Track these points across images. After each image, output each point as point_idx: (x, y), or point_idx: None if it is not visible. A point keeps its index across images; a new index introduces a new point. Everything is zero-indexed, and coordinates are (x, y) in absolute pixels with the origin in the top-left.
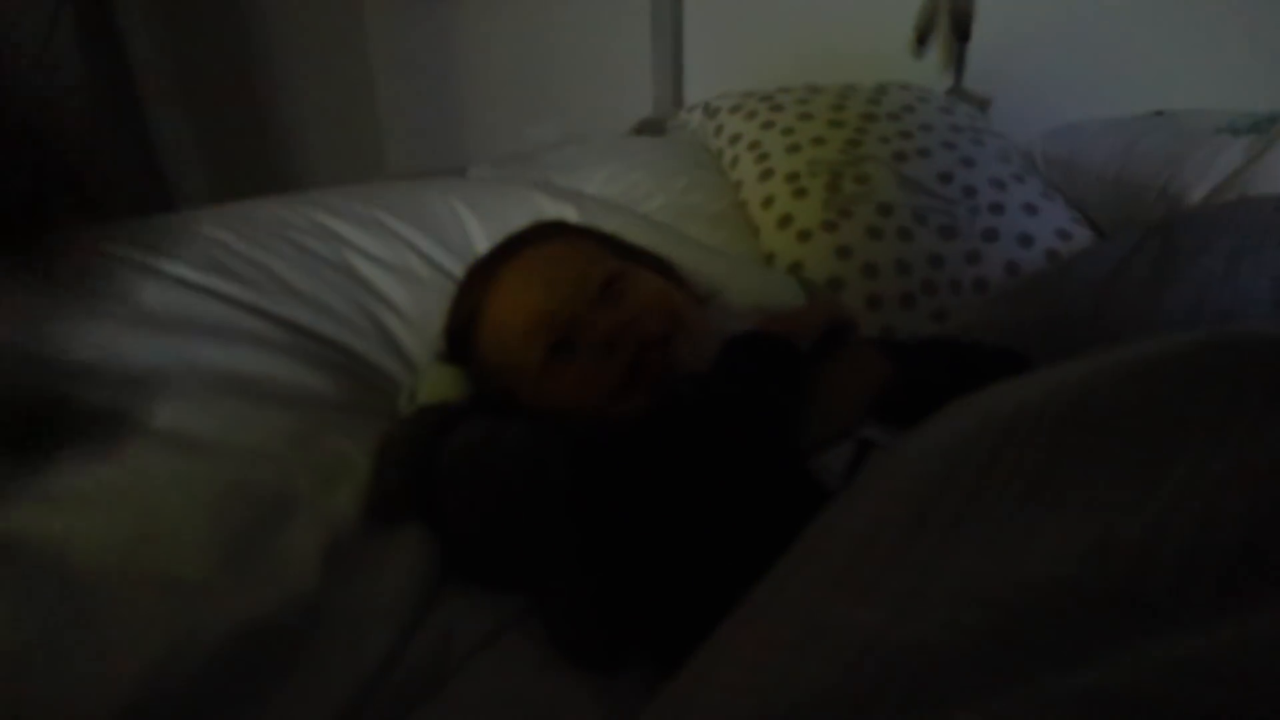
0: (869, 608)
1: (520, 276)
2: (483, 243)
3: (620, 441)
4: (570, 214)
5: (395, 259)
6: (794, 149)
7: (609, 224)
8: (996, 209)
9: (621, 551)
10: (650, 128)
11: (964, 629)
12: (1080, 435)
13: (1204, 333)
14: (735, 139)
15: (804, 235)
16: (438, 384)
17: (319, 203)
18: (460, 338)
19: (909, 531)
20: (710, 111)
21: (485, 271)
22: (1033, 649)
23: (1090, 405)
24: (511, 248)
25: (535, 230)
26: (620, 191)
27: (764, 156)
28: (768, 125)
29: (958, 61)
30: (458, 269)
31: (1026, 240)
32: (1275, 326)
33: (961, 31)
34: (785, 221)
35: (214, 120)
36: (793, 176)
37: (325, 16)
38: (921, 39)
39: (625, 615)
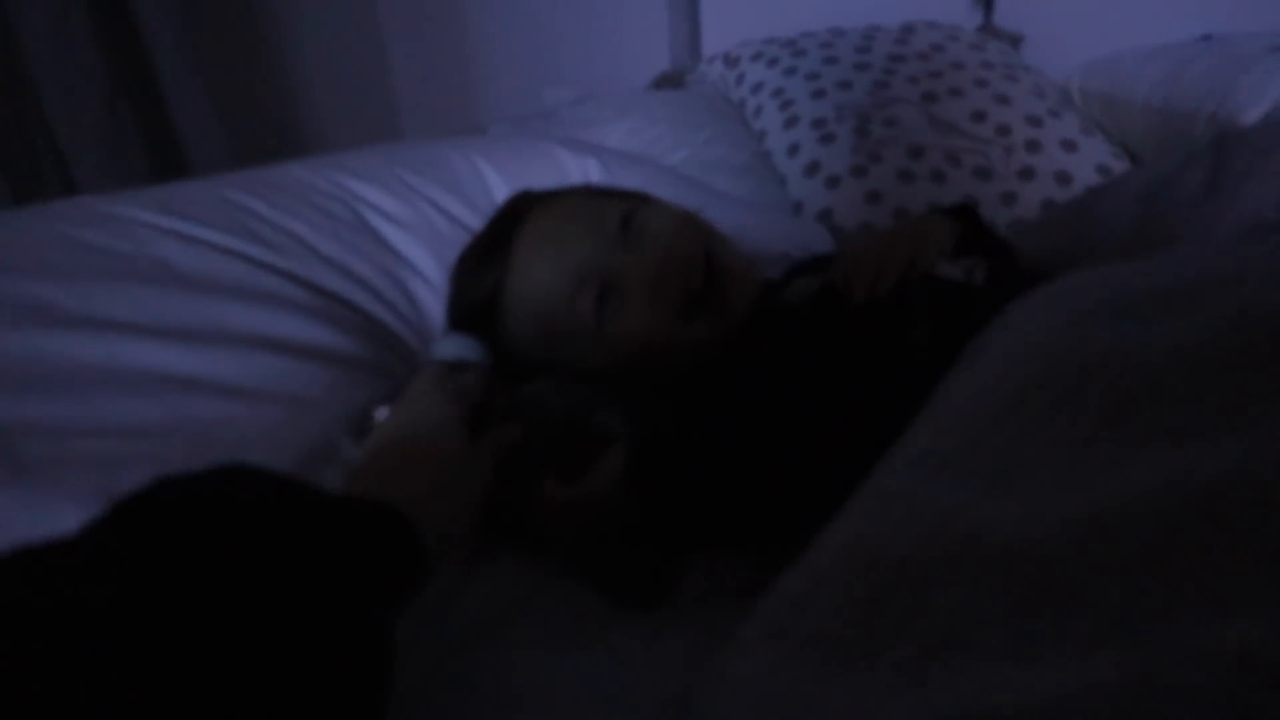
0: (958, 488)
1: (536, 242)
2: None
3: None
4: (593, 168)
5: (417, 219)
6: (819, 94)
7: (632, 178)
8: (1033, 147)
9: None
10: (669, 82)
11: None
12: (1178, 376)
13: None
14: (758, 88)
15: (832, 181)
16: (454, 353)
17: (341, 165)
18: (481, 320)
19: (1001, 419)
20: (731, 61)
21: (491, 248)
22: (1106, 562)
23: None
24: (508, 221)
25: (521, 198)
26: (642, 146)
27: (788, 104)
28: (790, 71)
29: None
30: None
31: (1065, 178)
32: None
33: None
34: (813, 169)
35: (226, 86)
36: (819, 122)
37: None
38: None
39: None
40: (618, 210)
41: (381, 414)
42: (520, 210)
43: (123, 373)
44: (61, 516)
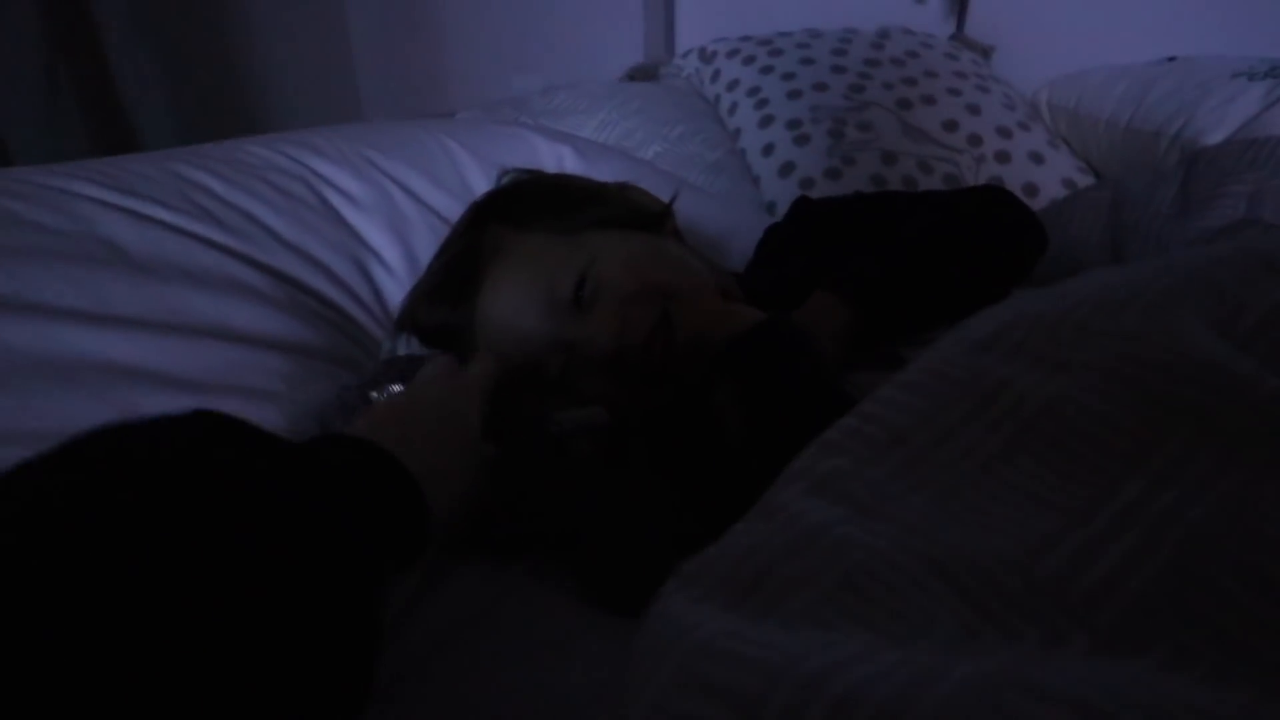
0: (825, 508)
1: (497, 306)
2: (479, 182)
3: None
4: (567, 156)
5: (383, 201)
6: (795, 95)
7: (606, 169)
8: (1002, 158)
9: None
10: (643, 74)
11: (904, 550)
12: (1055, 424)
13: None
14: (733, 85)
15: (806, 184)
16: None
17: (303, 143)
18: (457, 346)
19: (879, 450)
20: (706, 57)
21: (458, 292)
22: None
23: (1077, 395)
24: (473, 262)
25: (479, 232)
26: (614, 139)
27: (763, 103)
28: (767, 70)
29: (959, 8)
30: (452, 209)
31: (1032, 190)
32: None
33: None
34: (787, 169)
35: (177, 62)
36: (794, 123)
37: None
38: None
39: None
40: (573, 272)
41: (378, 397)
42: (484, 250)
43: (63, 364)
44: None
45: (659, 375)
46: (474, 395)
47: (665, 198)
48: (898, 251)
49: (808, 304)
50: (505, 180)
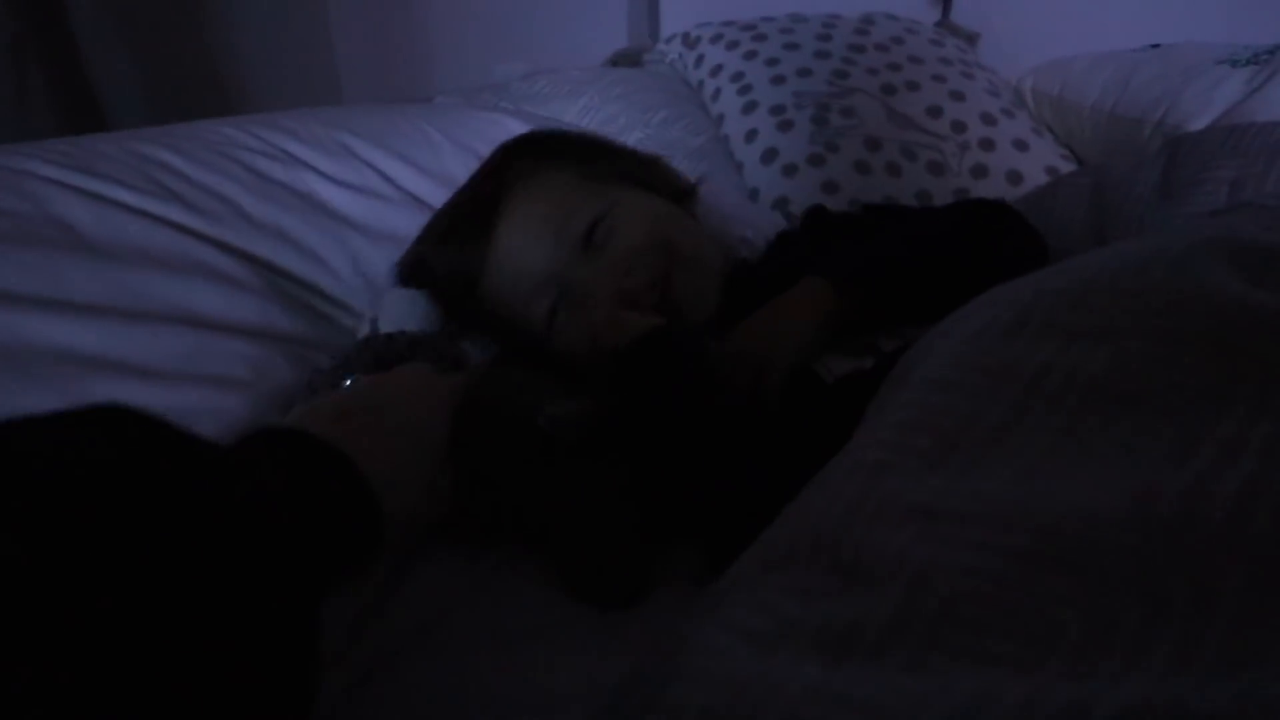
0: (888, 532)
1: (511, 236)
2: (457, 168)
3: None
4: None
5: (360, 181)
6: (778, 80)
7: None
8: (986, 145)
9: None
10: (626, 60)
11: (995, 552)
12: (1115, 394)
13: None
14: (716, 70)
15: (789, 170)
16: (397, 314)
17: (274, 124)
18: (461, 294)
19: (933, 459)
20: (690, 42)
21: (475, 227)
22: (1055, 584)
23: (1127, 361)
24: (490, 197)
25: (510, 163)
26: (596, 125)
27: (747, 88)
28: (751, 55)
29: None
30: (431, 193)
31: (1016, 177)
32: None
33: None
34: (770, 156)
35: (151, 43)
36: (777, 109)
37: None
38: None
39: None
40: (589, 215)
41: (351, 383)
42: (502, 181)
43: (20, 353)
44: None
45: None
46: (444, 401)
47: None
48: (889, 244)
49: (797, 286)
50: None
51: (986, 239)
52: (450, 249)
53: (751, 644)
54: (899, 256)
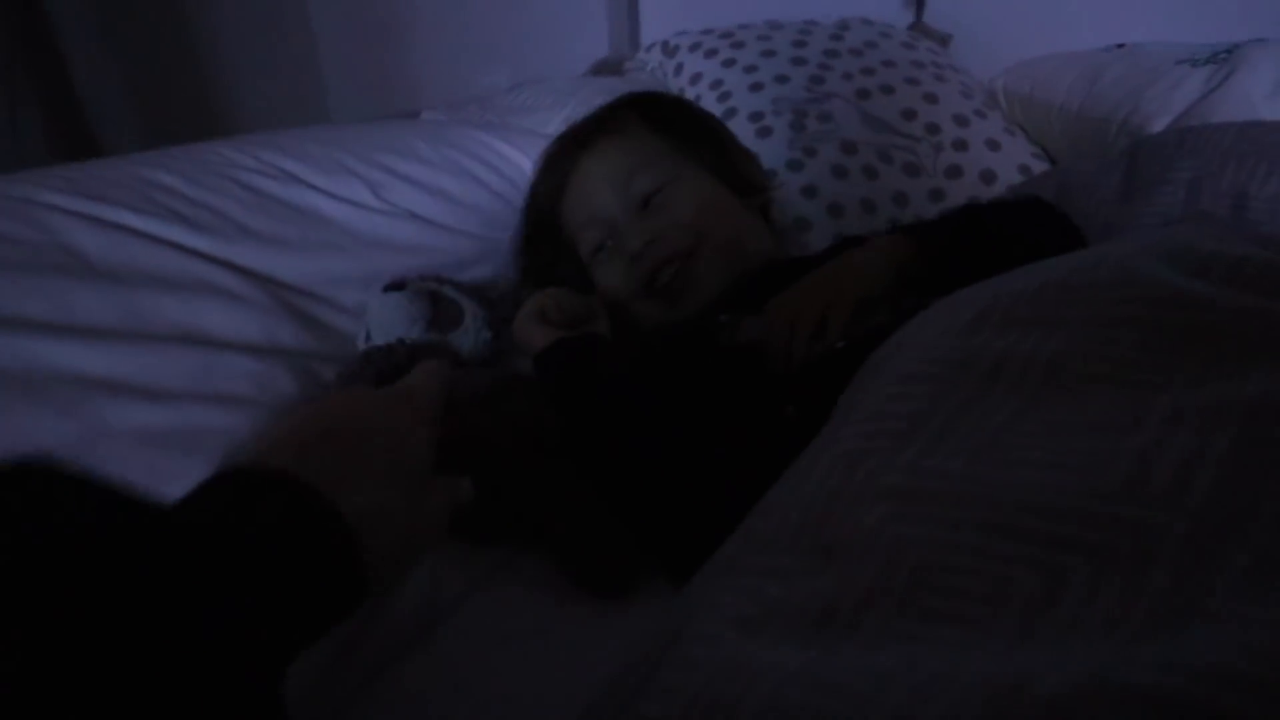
0: (858, 516)
1: (586, 174)
2: (447, 182)
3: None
4: (526, 164)
5: (357, 197)
6: (757, 87)
7: None
8: (960, 145)
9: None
10: (607, 69)
11: (958, 524)
12: (1068, 377)
13: (1170, 286)
14: (696, 78)
15: (769, 175)
16: (385, 320)
17: (271, 144)
18: (546, 209)
19: (904, 443)
20: (669, 50)
21: (567, 156)
22: (1019, 553)
23: (1078, 347)
24: (590, 133)
25: (617, 112)
26: None
27: (726, 95)
28: (729, 63)
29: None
30: (423, 205)
31: (989, 176)
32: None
33: None
34: None
35: (141, 64)
36: (756, 115)
37: None
38: None
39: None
40: (652, 182)
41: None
42: (603, 126)
43: (32, 377)
44: None
45: (655, 294)
46: (425, 416)
47: None
48: (962, 222)
49: (880, 237)
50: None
51: (1039, 226)
52: (547, 164)
53: (738, 629)
54: (967, 223)
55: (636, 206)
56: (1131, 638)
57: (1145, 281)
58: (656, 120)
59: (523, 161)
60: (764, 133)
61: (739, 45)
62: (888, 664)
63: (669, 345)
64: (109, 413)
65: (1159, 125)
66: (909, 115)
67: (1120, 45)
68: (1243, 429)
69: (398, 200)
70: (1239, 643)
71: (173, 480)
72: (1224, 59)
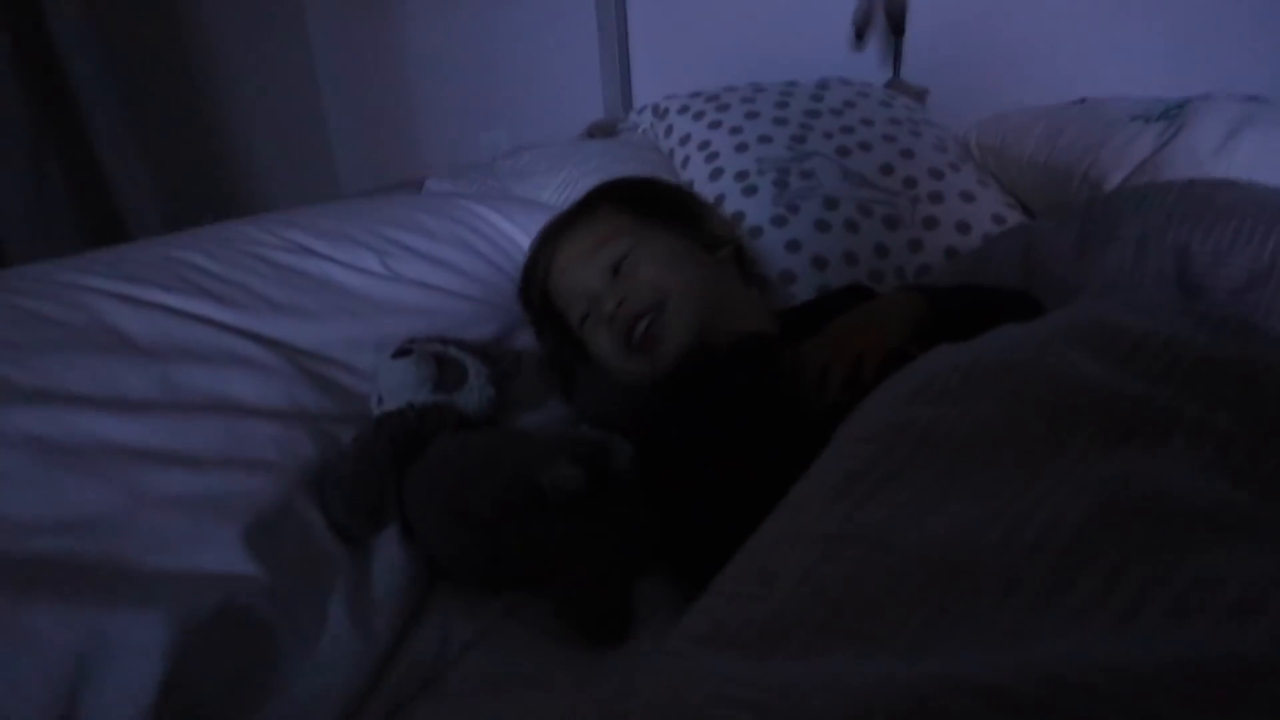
0: (796, 556)
1: (564, 253)
2: (449, 253)
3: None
4: (520, 236)
5: (368, 267)
6: (742, 148)
7: None
8: (936, 198)
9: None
10: (601, 130)
11: (874, 566)
12: (981, 444)
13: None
14: (685, 139)
15: (755, 231)
16: (395, 384)
17: (287, 221)
18: (540, 294)
19: (842, 495)
20: (659, 113)
21: (546, 242)
22: (914, 597)
23: (994, 421)
24: (566, 223)
25: (588, 201)
26: (575, 196)
27: (713, 156)
28: (715, 125)
29: (895, 55)
30: (428, 274)
31: (964, 227)
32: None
33: (896, 27)
34: (737, 218)
35: (163, 149)
36: (741, 175)
37: (269, 40)
38: (860, 34)
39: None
40: (617, 252)
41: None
42: (578, 212)
43: (82, 450)
44: (36, 625)
45: (633, 345)
46: None
47: None
48: (961, 290)
49: (895, 293)
50: (626, 175)
51: (1015, 304)
52: (533, 255)
53: (694, 643)
54: (968, 297)
55: (608, 275)
56: (987, 651)
57: (1050, 367)
58: (622, 200)
59: (515, 234)
60: (749, 191)
61: (724, 108)
62: (799, 671)
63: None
64: (148, 480)
65: (1115, 179)
66: (887, 170)
67: (1082, 100)
68: (1095, 501)
69: (404, 270)
70: (1064, 655)
71: (207, 543)
72: (1175, 114)
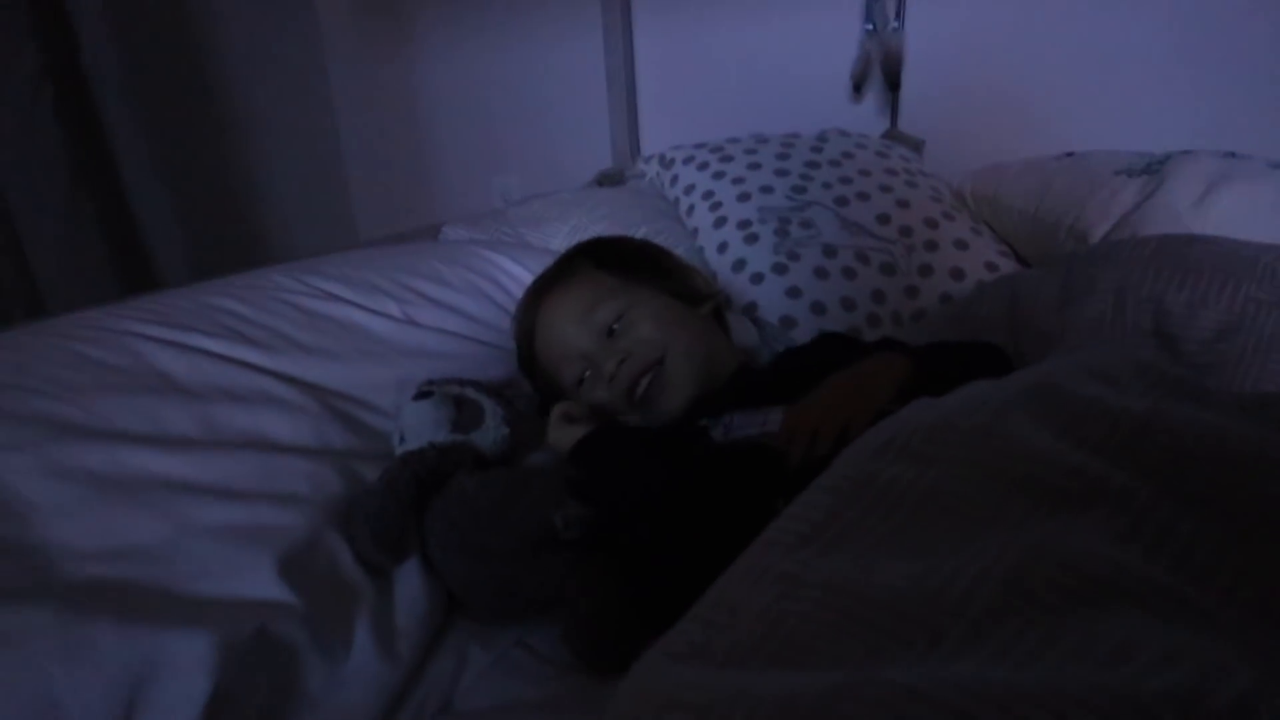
0: (760, 593)
1: (551, 316)
2: (464, 300)
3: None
4: (528, 277)
5: (389, 312)
6: (744, 197)
7: None
8: (931, 246)
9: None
10: (609, 179)
11: (827, 607)
12: (934, 504)
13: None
14: (690, 189)
15: (757, 278)
16: (416, 424)
17: (315, 270)
18: (525, 352)
19: (805, 540)
20: (665, 163)
21: (531, 304)
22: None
23: (945, 482)
24: (548, 283)
25: (570, 262)
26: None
27: (717, 205)
28: (719, 175)
29: (892, 107)
30: (444, 320)
31: (959, 274)
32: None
33: (892, 81)
34: (739, 265)
35: (191, 197)
36: (744, 223)
37: (294, 94)
38: (858, 87)
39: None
40: (611, 312)
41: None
42: (558, 276)
43: (132, 484)
44: (97, 642)
45: (636, 399)
46: None
47: None
48: (939, 350)
49: (879, 353)
50: (604, 236)
51: (987, 360)
52: (518, 315)
53: (670, 659)
54: (948, 357)
55: (603, 336)
56: (920, 678)
57: (1003, 434)
58: (604, 260)
59: (527, 279)
60: (751, 239)
61: (728, 159)
62: (758, 680)
63: (669, 443)
64: (193, 512)
65: (1099, 232)
66: (884, 220)
67: (1070, 154)
68: (1017, 564)
69: (422, 316)
70: (977, 678)
71: (245, 571)
72: (1157, 169)
